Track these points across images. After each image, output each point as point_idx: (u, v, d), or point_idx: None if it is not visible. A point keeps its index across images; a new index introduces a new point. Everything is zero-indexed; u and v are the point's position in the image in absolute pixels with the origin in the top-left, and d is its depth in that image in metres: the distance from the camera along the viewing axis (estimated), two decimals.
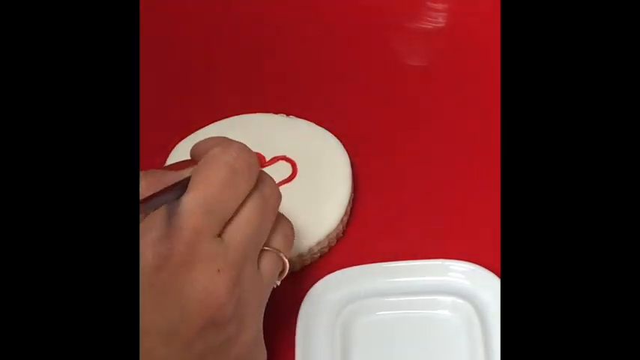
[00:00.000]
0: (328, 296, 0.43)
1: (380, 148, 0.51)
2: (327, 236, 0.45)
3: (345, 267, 0.44)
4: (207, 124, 0.50)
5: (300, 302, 0.42)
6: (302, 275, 0.44)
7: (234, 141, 0.35)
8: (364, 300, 0.43)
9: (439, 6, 0.58)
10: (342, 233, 0.47)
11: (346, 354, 0.41)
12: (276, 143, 0.48)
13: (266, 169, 0.47)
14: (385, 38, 0.57)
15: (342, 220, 0.46)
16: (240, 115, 0.51)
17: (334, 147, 0.49)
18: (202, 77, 0.56)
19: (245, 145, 0.35)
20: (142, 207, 0.32)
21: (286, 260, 0.37)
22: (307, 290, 0.43)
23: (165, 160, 0.49)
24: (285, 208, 0.45)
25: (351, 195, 0.47)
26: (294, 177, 0.47)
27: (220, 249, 0.33)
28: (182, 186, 0.33)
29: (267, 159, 0.48)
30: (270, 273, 0.36)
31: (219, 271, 0.33)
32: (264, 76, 0.56)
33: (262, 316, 0.37)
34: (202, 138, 0.48)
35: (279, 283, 0.37)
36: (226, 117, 0.51)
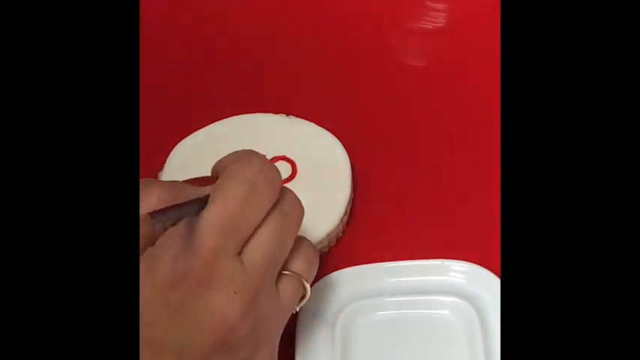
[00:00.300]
0: (328, 296, 0.43)
1: (380, 148, 0.51)
2: (327, 236, 0.45)
3: (344, 267, 0.44)
4: (207, 124, 0.50)
5: None
6: None
7: (257, 155, 0.35)
8: (364, 300, 0.43)
9: (439, 6, 0.58)
10: (342, 233, 0.47)
11: (346, 354, 0.41)
12: (276, 143, 0.48)
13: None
14: (385, 38, 0.57)
15: (341, 220, 0.46)
16: (240, 115, 0.51)
17: (334, 147, 0.49)
18: (202, 77, 0.56)
19: (267, 160, 0.35)
20: (160, 217, 0.31)
21: (308, 286, 0.36)
22: None
23: (166, 160, 0.49)
24: None
25: (351, 195, 0.47)
26: (294, 177, 0.47)
27: (238, 269, 0.32)
28: (202, 202, 0.32)
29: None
30: (290, 298, 0.36)
31: (235, 292, 0.32)
32: (264, 76, 0.56)
33: (278, 339, 0.36)
34: (202, 138, 0.50)
35: (298, 309, 0.37)
36: (226, 117, 0.51)
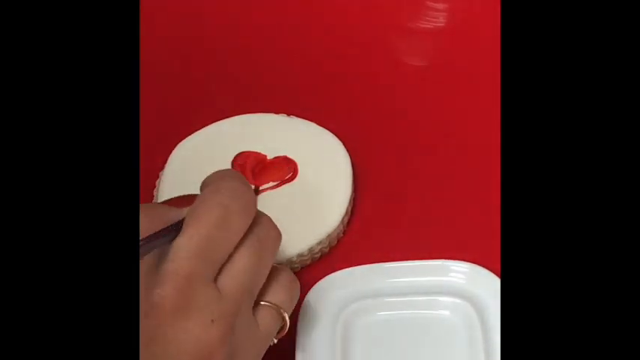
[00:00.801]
0: (328, 296, 0.43)
1: (380, 148, 0.51)
2: (328, 236, 0.45)
3: (345, 267, 0.44)
4: (208, 124, 0.50)
5: (301, 302, 0.42)
6: (302, 275, 0.44)
7: (233, 178, 0.34)
8: (364, 300, 0.43)
9: (439, 6, 0.58)
10: (343, 233, 0.47)
11: (346, 354, 0.41)
12: (277, 143, 0.48)
13: (267, 169, 0.48)
14: (385, 38, 0.57)
15: (342, 220, 0.46)
16: (241, 115, 0.51)
17: (335, 147, 0.49)
18: (202, 77, 0.56)
19: (241, 183, 0.34)
20: (140, 249, 0.30)
21: (287, 317, 0.35)
22: (307, 290, 0.43)
23: (166, 160, 0.49)
24: (285, 208, 0.45)
25: (351, 195, 0.47)
26: (295, 177, 0.47)
27: (214, 296, 0.31)
28: (178, 227, 0.32)
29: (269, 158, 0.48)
30: (268, 328, 0.35)
31: (213, 321, 0.31)
32: (265, 76, 0.56)
33: None
34: (202, 138, 0.50)
35: (276, 341, 0.36)
36: (227, 117, 0.51)
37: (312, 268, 0.45)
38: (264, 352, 0.35)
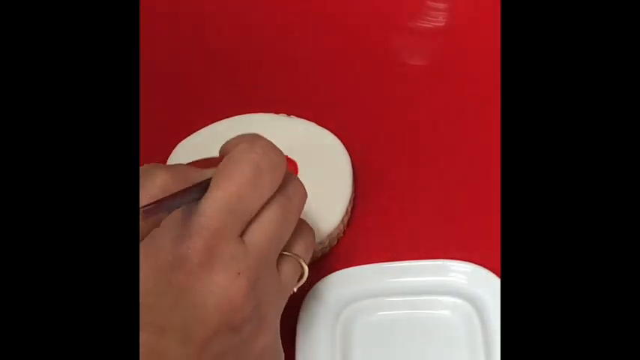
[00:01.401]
0: (328, 296, 0.43)
1: (380, 147, 0.51)
2: (328, 236, 0.45)
3: (345, 267, 0.44)
4: (208, 124, 0.50)
5: (301, 302, 0.42)
6: None
7: (262, 139, 0.35)
8: (364, 300, 0.43)
9: (439, 5, 0.58)
10: (343, 233, 0.47)
11: (346, 354, 0.41)
12: (277, 143, 0.48)
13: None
14: (385, 38, 0.57)
15: (342, 220, 0.46)
16: (241, 115, 0.51)
17: (335, 147, 0.49)
18: (202, 77, 0.56)
19: (272, 144, 0.35)
20: (164, 204, 0.31)
21: (306, 267, 0.36)
22: (308, 290, 0.43)
23: (166, 160, 0.49)
24: None
25: (351, 195, 0.47)
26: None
27: (241, 251, 0.32)
28: (202, 188, 0.32)
29: None
30: (289, 278, 0.36)
31: (239, 274, 0.32)
32: (265, 76, 0.56)
33: (278, 320, 0.36)
34: (203, 138, 0.49)
35: (295, 289, 0.37)
36: (227, 117, 0.51)
37: (312, 268, 0.45)
38: (286, 301, 0.36)
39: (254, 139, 0.34)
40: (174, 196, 0.32)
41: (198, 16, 0.60)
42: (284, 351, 0.39)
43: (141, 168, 0.33)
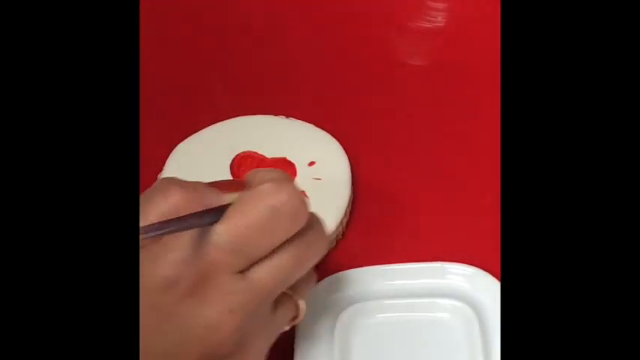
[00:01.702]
0: (327, 298, 0.43)
1: (380, 148, 0.51)
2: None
3: (344, 269, 0.44)
4: (208, 126, 0.50)
5: None
6: None
7: (290, 183, 0.33)
8: (363, 302, 0.42)
9: (439, 5, 0.58)
10: (342, 235, 0.47)
11: (345, 356, 0.41)
12: (276, 145, 0.48)
13: (267, 169, 0.47)
14: (385, 38, 0.57)
15: (341, 222, 0.46)
16: (240, 117, 0.51)
17: (334, 149, 0.49)
18: (202, 78, 0.56)
19: (297, 190, 0.33)
20: (174, 225, 0.30)
21: (303, 309, 0.36)
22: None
23: (166, 160, 0.49)
24: None
25: (350, 197, 0.47)
26: (294, 179, 0.47)
27: (239, 287, 0.31)
28: (220, 212, 0.32)
29: (268, 160, 0.48)
30: (284, 318, 0.35)
31: (230, 311, 0.31)
32: (264, 78, 0.56)
33: (265, 354, 0.35)
34: (203, 139, 0.49)
35: (287, 328, 0.36)
36: (226, 118, 0.51)
37: None
38: (275, 338, 0.36)
39: (282, 181, 0.33)
40: (183, 218, 0.31)
41: (199, 16, 0.60)
42: (283, 353, 0.39)
43: (156, 181, 0.33)
